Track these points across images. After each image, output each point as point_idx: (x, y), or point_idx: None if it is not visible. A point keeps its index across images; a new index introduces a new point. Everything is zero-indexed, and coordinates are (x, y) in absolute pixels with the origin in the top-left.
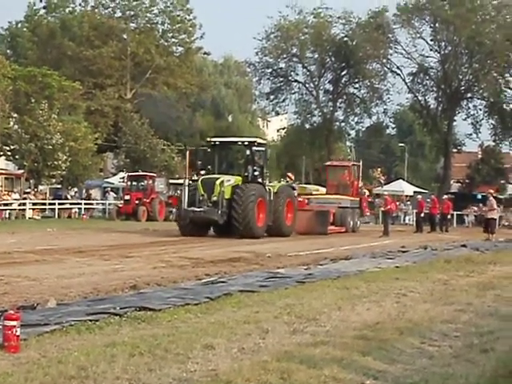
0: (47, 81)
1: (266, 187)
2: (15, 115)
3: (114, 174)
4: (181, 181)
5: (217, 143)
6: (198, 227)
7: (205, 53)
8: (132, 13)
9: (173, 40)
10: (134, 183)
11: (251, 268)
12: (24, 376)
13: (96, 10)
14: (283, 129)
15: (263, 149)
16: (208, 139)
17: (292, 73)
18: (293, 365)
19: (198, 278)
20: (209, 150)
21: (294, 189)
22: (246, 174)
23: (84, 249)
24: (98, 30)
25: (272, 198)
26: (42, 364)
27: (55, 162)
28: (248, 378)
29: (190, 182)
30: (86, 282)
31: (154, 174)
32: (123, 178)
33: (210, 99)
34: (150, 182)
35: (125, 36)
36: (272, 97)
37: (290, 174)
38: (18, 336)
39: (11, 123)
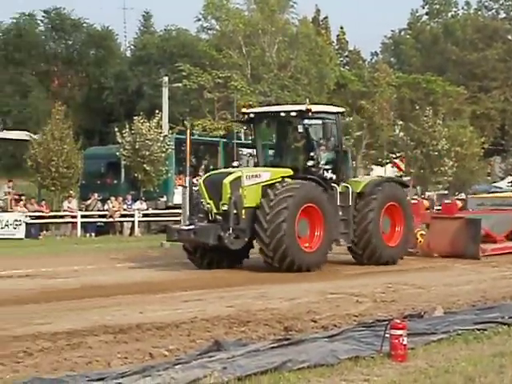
0: (431, 87)
1: (334, 184)
2: (400, 122)
3: (502, 179)
4: None
5: (251, 116)
6: (218, 254)
7: None
8: None
9: None
10: None
11: None
12: None
13: (479, 13)
14: None
15: (319, 122)
16: (242, 110)
17: None
18: None
19: None
20: (245, 128)
21: (405, 185)
22: (308, 163)
23: None
24: (482, 32)
25: (350, 202)
26: (429, 373)
27: (441, 168)
28: None
29: (195, 181)
30: (474, 289)
31: None
32: (511, 182)
33: None
34: None
35: (509, 37)
36: None
37: (397, 161)
38: (404, 345)
39: (396, 130)
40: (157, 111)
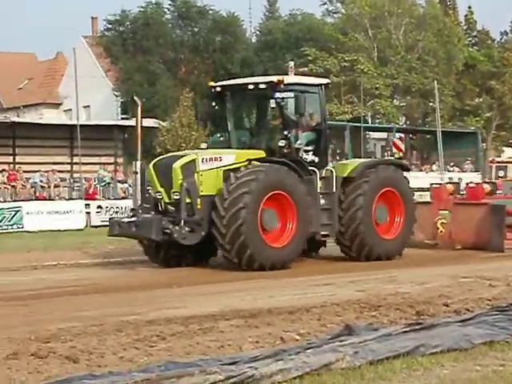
0: None
1: (313, 168)
2: None
3: None
4: None
5: (218, 90)
6: (178, 250)
7: None
8: None
9: None
10: None
11: None
12: None
13: None
14: None
15: (291, 95)
16: (211, 83)
17: None
18: None
19: None
20: (214, 104)
21: (405, 169)
22: (279, 143)
23: None
24: None
25: (334, 188)
26: None
27: None
28: None
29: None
30: None
31: None
32: None
33: None
34: None
35: None
36: None
37: (396, 141)
38: None
39: None
40: None
